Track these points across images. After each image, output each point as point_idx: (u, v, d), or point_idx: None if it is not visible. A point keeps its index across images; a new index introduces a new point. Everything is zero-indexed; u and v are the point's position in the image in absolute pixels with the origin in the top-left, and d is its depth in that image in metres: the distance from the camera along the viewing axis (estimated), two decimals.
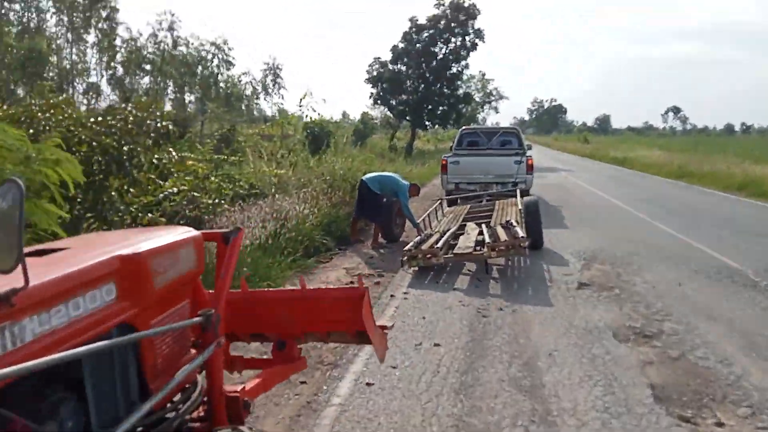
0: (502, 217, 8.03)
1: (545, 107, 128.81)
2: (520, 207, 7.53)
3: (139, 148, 5.37)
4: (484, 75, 64.12)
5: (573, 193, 15.42)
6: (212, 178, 7.74)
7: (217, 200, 7.88)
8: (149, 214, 6.49)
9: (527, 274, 6.52)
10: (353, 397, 3.45)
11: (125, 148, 5.18)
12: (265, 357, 2.90)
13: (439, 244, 6.36)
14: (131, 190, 6.06)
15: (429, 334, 4.53)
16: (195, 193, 7.44)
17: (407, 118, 36.64)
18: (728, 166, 19.56)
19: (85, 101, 46.97)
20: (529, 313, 5.11)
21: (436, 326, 4.74)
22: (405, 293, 5.74)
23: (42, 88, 16.91)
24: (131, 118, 5.37)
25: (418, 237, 7.19)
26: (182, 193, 7.36)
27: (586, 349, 4.22)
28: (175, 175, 7.59)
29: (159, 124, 5.49)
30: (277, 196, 8.49)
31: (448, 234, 7.15)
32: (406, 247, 6.41)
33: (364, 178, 8.43)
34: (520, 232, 6.15)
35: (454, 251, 6.27)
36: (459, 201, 10.76)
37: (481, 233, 7.15)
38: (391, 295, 5.68)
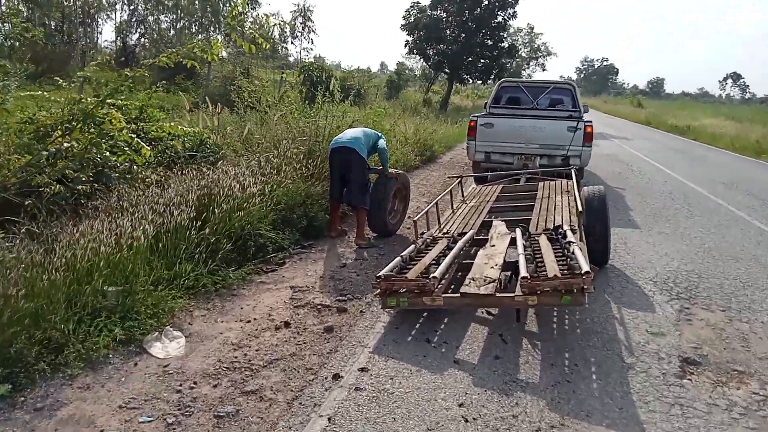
0: (547, 215, 5.33)
1: (595, 67, 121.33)
2: (579, 203, 4.76)
3: None
4: (532, 28, 59.79)
5: (634, 169, 12.39)
6: (126, 133, 5.18)
7: (126, 163, 5.38)
8: None
9: (586, 329, 3.84)
10: None
11: None
12: None
13: (439, 271, 3.68)
14: None
15: None
16: (99, 153, 4.97)
17: (445, 70, 33.34)
18: None
19: (112, 42, 44.88)
20: None
21: None
22: (362, 371, 3.14)
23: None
24: None
25: (412, 245, 4.51)
26: (79, 152, 4.91)
27: None
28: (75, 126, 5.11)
29: None
30: (223, 162, 5.93)
31: (461, 243, 4.48)
32: (382, 272, 3.75)
33: (337, 141, 5.79)
34: (583, 262, 3.42)
35: (464, 290, 3.57)
36: (489, 178, 8.02)
37: (513, 244, 4.49)
38: (336, 375, 3.09)
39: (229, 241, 4.71)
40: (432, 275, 3.56)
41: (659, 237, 6.40)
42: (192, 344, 3.42)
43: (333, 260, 5.20)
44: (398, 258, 4.08)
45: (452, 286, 4.22)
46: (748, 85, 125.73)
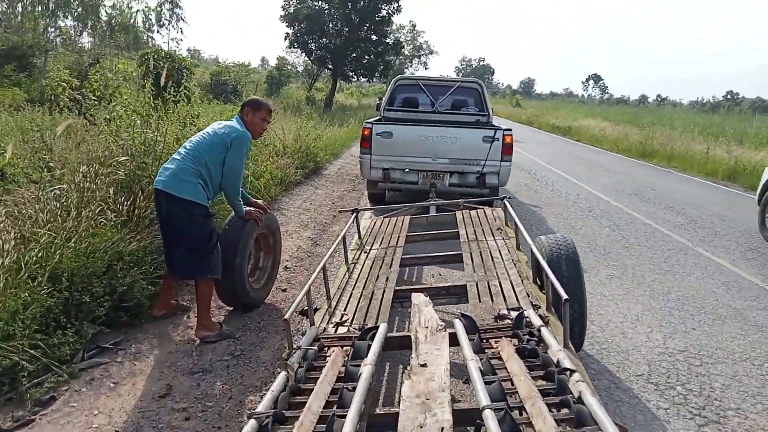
0: (487, 276, 3.59)
1: (473, 66, 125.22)
2: (558, 286, 2.77)
3: None
4: (414, 26, 59.65)
5: (539, 179, 11.25)
6: None
7: None
8: None
9: None
10: None
11: None
12: None
13: (350, 421, 1.74)
14: None
15: None
16: None
17: (328, 66, 31.45)
18: (710, 147, 16.16)
19: None
20: None
21: None
22: None
23: None
24: None
25: (288, 364, 2.53)
26: None
27: None
28: None
29: None
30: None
31: (369, 364, 2.54)
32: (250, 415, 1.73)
33: (161, 171, 3.56)
34: (609, 424, 1.66)
35: None
36: (390, 209, 6.23)
37: (454, 342, 2.70)
38: None
39: None
40: None
41: (614, 286, 4.94)
42: None
43: (150, 379, 3.06)
44: (269, 394, 2.07)
45: None
46: (607, 86, 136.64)
